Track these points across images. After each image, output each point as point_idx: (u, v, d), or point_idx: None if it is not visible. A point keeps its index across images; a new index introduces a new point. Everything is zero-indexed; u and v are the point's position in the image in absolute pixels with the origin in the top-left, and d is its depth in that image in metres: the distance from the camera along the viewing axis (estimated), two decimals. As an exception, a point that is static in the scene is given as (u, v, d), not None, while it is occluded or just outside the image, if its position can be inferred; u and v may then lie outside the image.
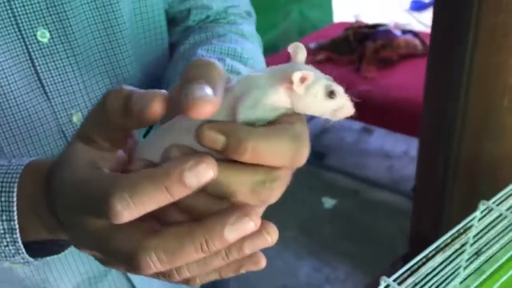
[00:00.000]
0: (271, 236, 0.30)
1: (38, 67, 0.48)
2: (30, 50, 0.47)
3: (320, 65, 2.25)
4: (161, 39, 0.59)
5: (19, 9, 0.46)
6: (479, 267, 0.66)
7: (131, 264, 0.28)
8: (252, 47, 0.58)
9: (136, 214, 0.27)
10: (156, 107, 0.28)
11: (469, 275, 0.67)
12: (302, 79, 0.28)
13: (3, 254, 0.36)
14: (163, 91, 0.29)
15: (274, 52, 2.48)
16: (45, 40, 0.48)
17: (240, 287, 1.84)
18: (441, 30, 0.79)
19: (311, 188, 2.30)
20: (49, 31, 0.48)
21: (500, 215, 0.65)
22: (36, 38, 0.47)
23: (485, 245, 0.66)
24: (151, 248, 0.27)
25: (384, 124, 2.14)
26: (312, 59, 2.29)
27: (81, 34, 0.50)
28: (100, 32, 0.52)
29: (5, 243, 0.36)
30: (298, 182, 2.42)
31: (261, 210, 0.30)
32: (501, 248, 0.65)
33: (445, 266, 0.67)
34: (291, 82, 0.28)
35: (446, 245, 0.64)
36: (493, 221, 0.67)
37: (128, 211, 0.27)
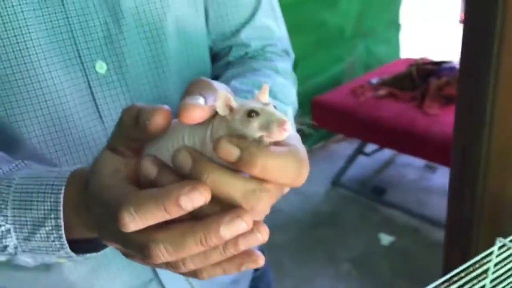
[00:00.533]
0: (262, 234, 0.33)
1: (95, 95, 0.55)
2: (89, 79, 0.54)
3: (381, 100, 2.26)
4: (204, 73, 0.64)
5: (81, 43, 0.54)
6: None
7: (144, 254, 0.34)
8: (283, 82, 0.62)
9: (140, 226, 0.33)
10: (159, 120, 0.34)
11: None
12: (227, 104, 0.33)
13: (50, 248, 0.43)
14: (166, 106, 0.34)
15: (339, 85, 2.52)
16: (102, 71, 0.55)
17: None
18: (466, 73, 0.80)
19: (368, 223, 2.28)
20: (106, 63, 0.55)
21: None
22: (94, 69, 0.54)
23: (501, 281, 0.66)
24: (159, 240, 0.33)
25: (446, 162, 2.09)
26: (374, 95, 2.30)
27: (134, 67, 0.56)
28: (150, 65, 0.57)
29: (52, 238, 0.42)
30: (356, 216, 2.41)
31: (258, 215, 0.33)
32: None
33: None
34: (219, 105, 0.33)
35: (460, 279, 0.64)
36: (508, 257, 0.66)
37: (133, 223, 0.33)
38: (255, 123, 0.32)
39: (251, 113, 0.32)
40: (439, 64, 2.28)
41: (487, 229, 0.73)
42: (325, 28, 2.60)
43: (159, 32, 0.57)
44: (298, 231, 2.22)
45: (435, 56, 2.52)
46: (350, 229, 2.26)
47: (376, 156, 2.62)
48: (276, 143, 0.33)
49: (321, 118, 2.39)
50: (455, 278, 0.64)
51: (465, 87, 0.81)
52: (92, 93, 0.55)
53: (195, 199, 0.32)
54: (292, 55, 0.71)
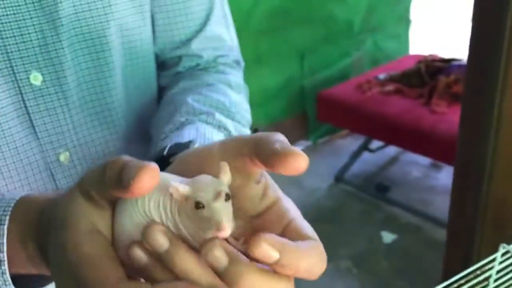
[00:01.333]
0: None
1: (29, 108, 0.51)
2: (23, 91, 0.50)
3: (388, 96, 2.23)
4: (150, 83, 0.62)
5: (14, 53, 0.49)
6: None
7: None
8: (238, 100, 0.60)
9: None
10: (144, 181, 0.30)
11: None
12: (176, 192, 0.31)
13: None
14: (153, 164, 0.30)
15: (345, 80, 2.49)
16: (37, 83, 0.51)
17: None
18: (474, 72, 0.78)
19: (370, 220, 2.25)
20: (42, 74, 0.51)
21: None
22: (29, 81, 0.50)
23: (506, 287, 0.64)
24: None
25: (452, 161, 2.06)
26: (381, 90, 2.27)
27: (73, 78, 0.53)
28: (91, 76, 0.54)
29: None
30: (358, 213, 2.38)
31: None
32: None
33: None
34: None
35: (460, 286, 0.62)
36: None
37: None
38: (203, 220, 0.30)
39: (198, 205, 0.30)
40: (448, 61, 2.24)
41: (490, 234, 0.71)
42: (333, 22, 2.56)
43: (101, 41, 0.54)
44: (299, 226, 2.20)
45: (445, 53, 2.48)
46: (352, 226, 2.24)
47: (381, 152, 2.60)
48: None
49: (327, 112, 2.37)
50: (455, 285, 0.61)
51: (472, 86, 0.78)
52: (26, 107, 0.51)
53: None
54: (242, 64, 0.69)
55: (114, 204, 0.33)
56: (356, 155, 2.53)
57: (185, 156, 0.39)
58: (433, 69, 2.20)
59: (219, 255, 0.29)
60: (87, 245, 0.32)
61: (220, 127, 0.53)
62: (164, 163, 0.40)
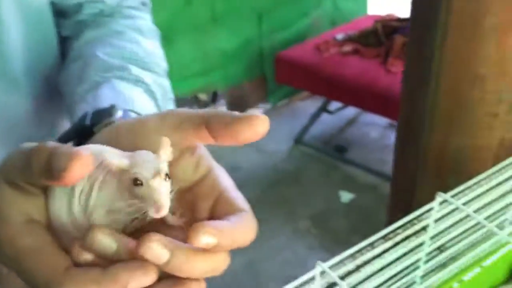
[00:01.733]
0: None
1: None
2: None
3: (346, 57, 2.23)
4: (48, 36, 0.57)
5: None
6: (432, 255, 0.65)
7: None
8: (152, 48, 0.57)
9: None
10: (76, 171, 0.28)
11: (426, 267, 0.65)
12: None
13: None
14: (85, 151, 0.28)
15: (304, 41, 2.46)
16: None
17: (248, 276, 1.85)
18: (416, 21, 0.77)
19: (329, 181, 2.28)
20: None
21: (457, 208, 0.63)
22: None
23: (441, 237, 0.65)
24: (64, 285, 0.28)
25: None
26: (339, 51, 2.26)
27: None
28: None
29: None
30: (317, 174, 2.41)
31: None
32: (454, 240, 0.63)
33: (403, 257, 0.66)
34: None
35: (396, 236, 0.62)
36: (450, 214, 0.65)
37: None
38: (139, 198, 0.30)
39: (136, 181, 0.29)
40: (405, 21, 2.24)
41: (431, 184, 0.71)
42: (290, -19, 2.52)
43: None
44: (259, 189, 2.21)
45: (402, 13, 2.48)
46: (311, 187, 2.26)
47: (339, 114, 2.61)
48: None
49: (285, 74, 2.35)
50: (391, 235, 0.62)
51: (415, 38, 0.78)
52: None
53: (144, 283, 0.28)
54: (149, 4, 0.64)
55: (45, 188, 0.31)
56: (315, 117, 2.54)
57: (116, 128, 0.36)
58: (389, 29, 2.20)
59: (159, 253, 0.28)
60: (24, 238, 0.30)
61: (137, 81, 0.50)
62: (87, 132, 0.38)
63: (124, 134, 0.35)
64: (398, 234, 0.62)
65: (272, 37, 2.52)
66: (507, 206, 0.67)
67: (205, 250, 0.29)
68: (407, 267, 0.67)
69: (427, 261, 0.66)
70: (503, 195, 0.67)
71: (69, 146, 0.29)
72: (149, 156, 0.30)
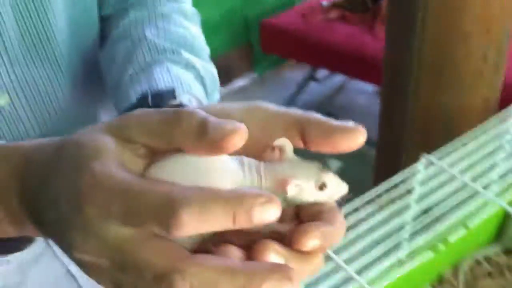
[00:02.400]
0: None
1: None
2: None
3: (332, 23, 2.19)
4: (91, 11, 0.55)
5: None
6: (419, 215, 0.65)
7: (159, 284, 0.26)
8: (197, 33, 0.55)
9: (195, 230, 0.26)
10: (236, 140, 0.27)
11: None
12: (296, 185, 0.30)
13: None
14: (243, 125, 0.27)
15: (290, 7, 2.42)
16: None
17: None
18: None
19: (318, 149, 2.28)
20: None
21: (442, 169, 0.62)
22: None
23: (427, 199, 0.65)
24: (188, 274, 0.25)
25: (396, 86, 2.08)
26: (325, 17, 2.23)
27: (6, 9, 0.46)
28: (28, 5, 0.47)
29: None
30: (306, 143, 2.39)
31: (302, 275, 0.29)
32: (440, 201, 0.63)
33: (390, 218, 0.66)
34: (285, 190, 0.30)
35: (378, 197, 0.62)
36: (435, 175, 0.64)
37: (192, 225, 0.25)
38: (326, 194, 0.31)
39: (323, 187, 0.31)
40: (391, -15, 2.21)
41: (417, 145, 0.71)
42: None
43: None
44: (248, 158, 2.20)
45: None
46: (300, 156, 2.25)
47: (327, 82, 2.59)
48: None
49: (271, 42, 2.32)
50: (373, 197, 0.61)
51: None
52: None
53: (268, 213, 0.26)
54: None
55: (150, 154, 0.29)
56: (302, 85, 2.52)
57: None
58: (376, -7, 2.17)
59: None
60: (126, 174, 0.27)
61: (188, 65, 0.49)
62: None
63: None
64: (380, 196, 0.62)
65: (257, 5, 2.48)
66: (492, 166, 0.67)
67: (308, 253, 0.28)
68: (393, 230, 0.67)
69: (413, 223, 0.66)
70: (487, 155, 0.67)
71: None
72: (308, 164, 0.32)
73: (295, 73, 2.69)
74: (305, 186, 0.30)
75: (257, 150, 0.31)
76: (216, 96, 0.53)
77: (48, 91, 0.52)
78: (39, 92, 0.51)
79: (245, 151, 0.29)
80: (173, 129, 0.28)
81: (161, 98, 0.40)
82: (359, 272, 0.63)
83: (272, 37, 2.30)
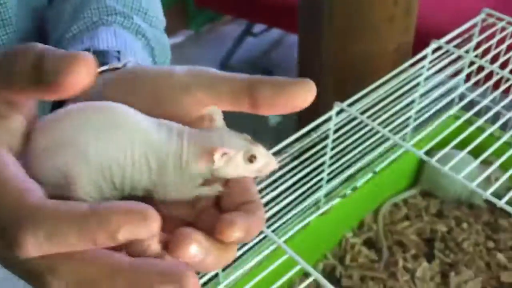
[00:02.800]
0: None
1: None
2: None
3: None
4: None
5: None
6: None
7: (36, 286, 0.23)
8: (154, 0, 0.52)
9: (48, 252, 0.22)
10: (80, 74, 0.22)
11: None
12: (223, 155, 0.28)
13: None
14: (87, 53, 0.23)
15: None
16: None
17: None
18: None
19: (256, 105, 2.27)
20: None
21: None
22: None
23: (341, 144, 0.65)
24: (61, 273, 0.23)
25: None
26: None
27: None
28: None
29: None
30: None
31: None
32: (352, 148, 0.64)
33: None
34: (211, 158, 0.27)
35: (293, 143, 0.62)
36: (348, 122, 0.65)
37: (40, 248, 0.22)
38: (255, 167, 0.29)
39: (252, 159, 0.29)
40: None
41: (332, 94, 0.71)
42: None
43: None
44: (186, 117, 2.18)
45: None
46: (238, 112, 2.25)
47: (264, 36, 2.56)
48: None
49: (205, -3, 2.26)
50: (288, 146, 0.61)
51: None
52: None
53: (142, 232, 0.22)
54: None
55: (14, 109, 0.25)
56: (239, 41, 2.48)
57: (132, 73, 0.31)
58: None
59: (194, 254, 0.24)
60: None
61: (138, 33, 0.45)
62: None
63: (143, 82, 0.29)
64: (294, 142, 0.62)
65: (189, -42, 2.39)
66: (403, 111, 0.68)
67: (228, 244, 0.26)
68: (312, 173, 0.67)
69: (328, 169, 0.67)
70: (399, 100, 0.68)
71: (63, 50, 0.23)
72: (232, 133, 0.30)
73: (231, 28, 2.65)
74: (234, 157, 0.28)
75: (202, 117, 0.29)
76: None
77: None
78: None
79: (189, 118, 0.28)
80: (10, 73, 0.24)
81: (103, 58, 0.36)
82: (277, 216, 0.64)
83: (205, -9, 2.24)
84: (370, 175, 0.71)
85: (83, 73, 0.22)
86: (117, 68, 0.34)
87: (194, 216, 0.28)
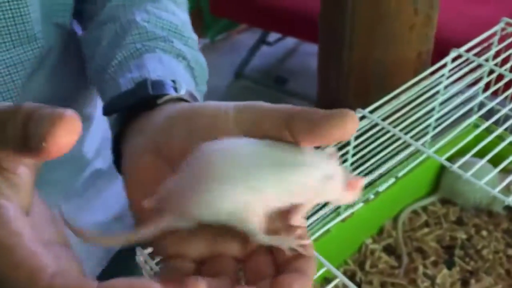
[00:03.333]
0: None
1: None
2: None
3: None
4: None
5: None
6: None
7: None
8: (186, 19, 0.54)
9: None
10: (62, 138, 0.22)
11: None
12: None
13: None
14: (70, 111, 0.22)
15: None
16: None
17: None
18: None
19: (271, 113, 2.28)
20: None
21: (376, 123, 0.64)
22: None
23: (362, 148, 0.66)
24: None
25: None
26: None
27: None
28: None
29: None
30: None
31: None
32: (373, 154, 0.64)
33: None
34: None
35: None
36: (370, 128, 0.66)
37: None
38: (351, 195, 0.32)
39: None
40: None
41: (354, 102, 0.72)
42: None
43: None
44: (202, 125, 2.19)
45: None
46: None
47: (279, 45, 2.58)
48: None
49: (221, 6, 2.28)
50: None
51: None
52: None
53: None
54: None
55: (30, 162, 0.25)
56: (254, 49, 2.50)
57: (189, 107, 0.34)
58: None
59: None
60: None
61: (179, 56, 0.47)
62: (148, 101, 0.36)
63: (194, 116, 0.32)
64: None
65: (206, -32, 2.42)
66: (424, 118, 0.69)
67: None
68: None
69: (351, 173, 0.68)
70: (420, 107, 0.68)
71: (50, 106, 0.23)
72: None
73: (246, 36, 2.67)
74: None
75: None
76: (204, 88, 0.52)
77: (23, 80, 0.49)
78: (14, 80, 0.48)
79: None
80: (2, 132, 0.24)
81: (161, 88, 0.38)
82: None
83: (222, 0, 2.26)
84: (392, 180, 0.72)
85: (66, 137, 0.22)
86: (174, 98, 0.37)
87: (244, 254, 0.30)
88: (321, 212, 0.69)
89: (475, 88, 0.75)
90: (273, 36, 2.54)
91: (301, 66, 2.54)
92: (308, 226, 0.69)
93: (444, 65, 0.69)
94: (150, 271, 0.42)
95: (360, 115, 0.64)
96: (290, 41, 2.57)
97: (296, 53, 2.61)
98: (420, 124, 0.68)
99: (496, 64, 0.73)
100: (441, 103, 0.72)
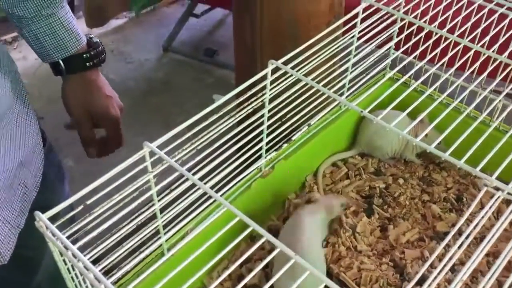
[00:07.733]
0: None
1: None
2: None
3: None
4: None
5: None
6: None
7: None
8: None
9: None
10: None
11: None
12: None
13: None
14: None
15: None
16: None
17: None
18: None
19: (202, 85, 2.26)
20: None
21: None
22: None
23: (276, 98, 0.66)
24: None
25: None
26: None
27: None
28: None
29: None
30: (189, 80, 2.37)
31: None
32: (287, 104, 0.64)
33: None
34: None
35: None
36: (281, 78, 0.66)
37: None
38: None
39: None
40: None
41: (269, 55, 0.71)
42: None
43: None
44: (132, 100, 2.14)
45: None
46: (185, 93, 2.23)
47: (207, 17, 2.55)
48: None
49: (144, -23, 2.21)
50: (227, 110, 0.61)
51: None
52: None
53: None
54: None
55: None
56: (182, 22, 2.45)
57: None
58: None
59: None
60: None
61: None
62: None
63: None
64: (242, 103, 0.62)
65: None
66: (336, 68, 0.70)
67: None
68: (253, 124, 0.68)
69: (269, 120, 0.68)
70: (332, 58, 0.69)
71: None
72: None
73: (173, 9, 2.61)
74: None
75: None
76: None
77: None
78: None
79: None
80: None
81: None
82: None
83: (144, -29, 2.19)
84: (305, 128, 0.72)
85: None
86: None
87: None
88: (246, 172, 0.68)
89: (387, 47, 0.77)
90: (200, 8, 2.50)
91: (230, 37, 2.51)
92: (233, 186, 0.69)
93: (356, 15, 0.70)
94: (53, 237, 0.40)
95: (273, 66, 0.64)
96: (218, 12, 2.54)
97: (224, 24, 2.59)
98: (335, 79, 0.68)
99: (406, 13, 0.75)
100: (354, 65, 0.73)
